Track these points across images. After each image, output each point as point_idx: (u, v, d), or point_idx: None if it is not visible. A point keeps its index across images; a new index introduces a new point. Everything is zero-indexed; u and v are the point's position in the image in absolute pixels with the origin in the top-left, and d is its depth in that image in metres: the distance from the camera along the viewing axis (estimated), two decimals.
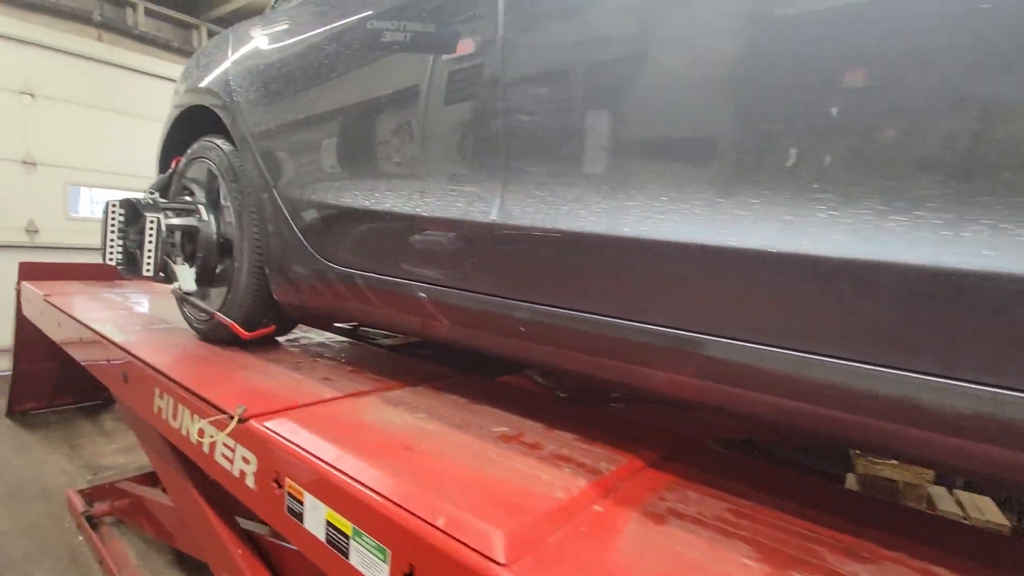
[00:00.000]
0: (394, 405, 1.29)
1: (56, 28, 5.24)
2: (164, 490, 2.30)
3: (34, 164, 5.20)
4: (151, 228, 1.67)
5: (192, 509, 1.68)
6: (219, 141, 1.81)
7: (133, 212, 1.74)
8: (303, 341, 2.09)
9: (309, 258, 1.46)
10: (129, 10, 5.79)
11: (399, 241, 1.20)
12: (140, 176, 5.96)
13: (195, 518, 1.61)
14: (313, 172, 1.40)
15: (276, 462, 1.07)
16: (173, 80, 6.11)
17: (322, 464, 0.97)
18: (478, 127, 1.00)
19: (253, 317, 1.76)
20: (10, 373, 3.91)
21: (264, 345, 1.87)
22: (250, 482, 1.14)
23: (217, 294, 1.83)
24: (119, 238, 1.76)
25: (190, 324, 2.00)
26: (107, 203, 1.75)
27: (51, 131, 5.27)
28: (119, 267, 1.77)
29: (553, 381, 1.92)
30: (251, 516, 1.37)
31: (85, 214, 5.60)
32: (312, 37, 1.40)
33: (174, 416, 1.44)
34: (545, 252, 0.92)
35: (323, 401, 1.32)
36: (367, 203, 1.24)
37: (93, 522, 2.65)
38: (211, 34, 6.36)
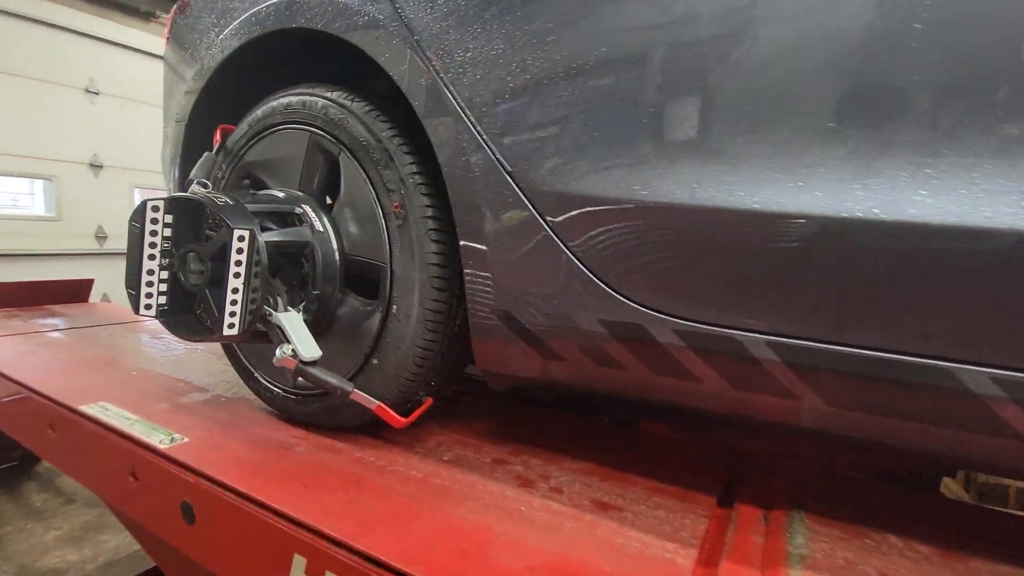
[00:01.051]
0: None
1: (120, 22, 4.94)
2: None
3: (101, 166, 4.93)
4: (240, 250, 0.91)
5: None
6: (336, 95, 1.06)
7: (193, 221, 0.96)
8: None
9: (601, 302, 0.80)
10: None
11: (924, 281, 0.59)
12: None
13: None
14: (639, 147, 0.73)
15: None
16: None
17: None
18: None
19: (410, 392, 1.06)
20: None
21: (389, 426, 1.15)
22: None
23: (339, 353, 1.09)
24: (163, 268, 0.97)
25: (259, 393, 1.24)
26: (143, 204, 0.95)
27: (117, 131, 5.00)
28: (165, 323, 0.98)
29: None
30: None
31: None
32: None
33: None
34: None
35: None
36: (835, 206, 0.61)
37: None
38: None
